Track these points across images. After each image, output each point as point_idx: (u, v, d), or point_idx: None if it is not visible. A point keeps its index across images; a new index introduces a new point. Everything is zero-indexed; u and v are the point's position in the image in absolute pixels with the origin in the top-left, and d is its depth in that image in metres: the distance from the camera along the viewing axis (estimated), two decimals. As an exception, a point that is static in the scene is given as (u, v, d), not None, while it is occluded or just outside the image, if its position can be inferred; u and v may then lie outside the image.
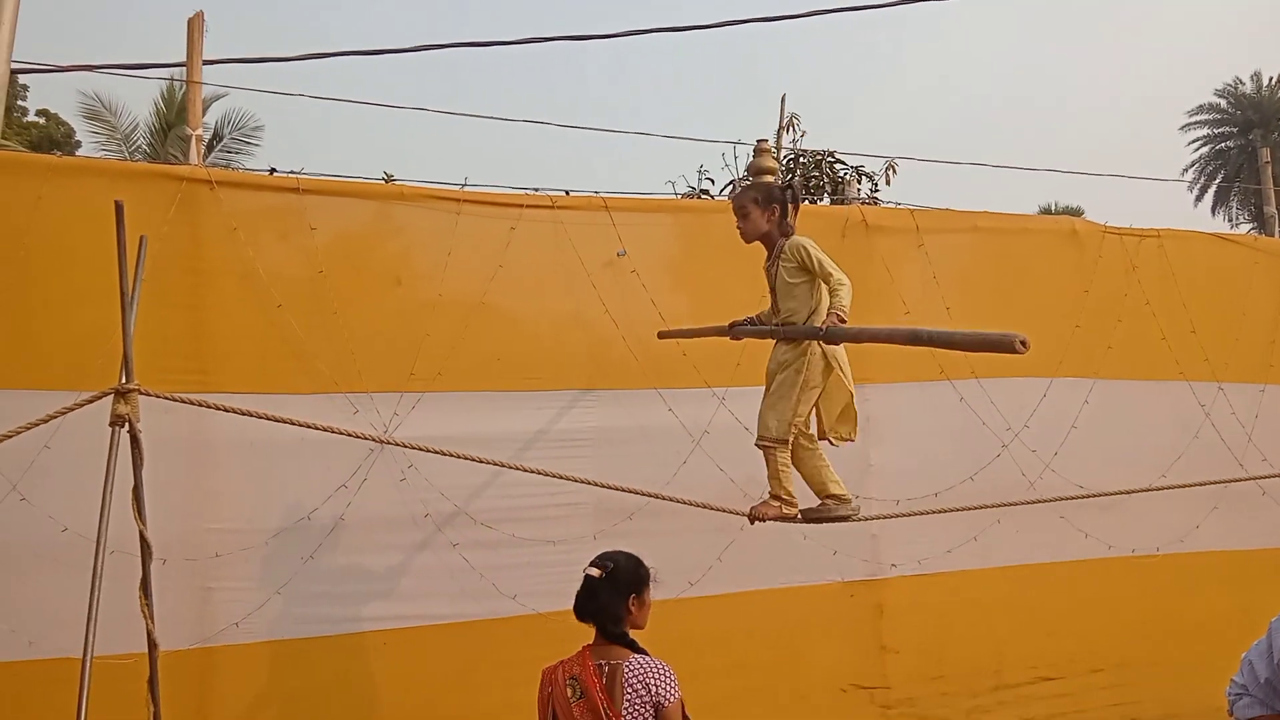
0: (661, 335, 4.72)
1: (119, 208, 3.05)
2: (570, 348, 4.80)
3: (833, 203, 10.27)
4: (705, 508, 4.23)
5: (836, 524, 4.99)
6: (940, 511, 4.85)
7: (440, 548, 4.44)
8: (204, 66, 5.80)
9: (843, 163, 11.39)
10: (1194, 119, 39.96)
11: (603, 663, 2.88)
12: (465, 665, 4.42)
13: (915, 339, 3.31)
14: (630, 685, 2.83)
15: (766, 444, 3.85)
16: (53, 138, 23.97)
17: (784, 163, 10.82)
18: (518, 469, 4.17)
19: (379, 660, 4.33)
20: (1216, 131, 39.63)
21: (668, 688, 2.85)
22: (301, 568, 4.24)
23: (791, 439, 3.83)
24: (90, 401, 3.17)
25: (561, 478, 4.19)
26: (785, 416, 3.78)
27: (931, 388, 5.35)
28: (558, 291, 4.79)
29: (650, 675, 2.85)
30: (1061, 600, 5.47)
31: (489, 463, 4.09)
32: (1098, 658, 5.49)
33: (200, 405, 3.51)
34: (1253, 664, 2.48)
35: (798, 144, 11.28)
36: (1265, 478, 5.82)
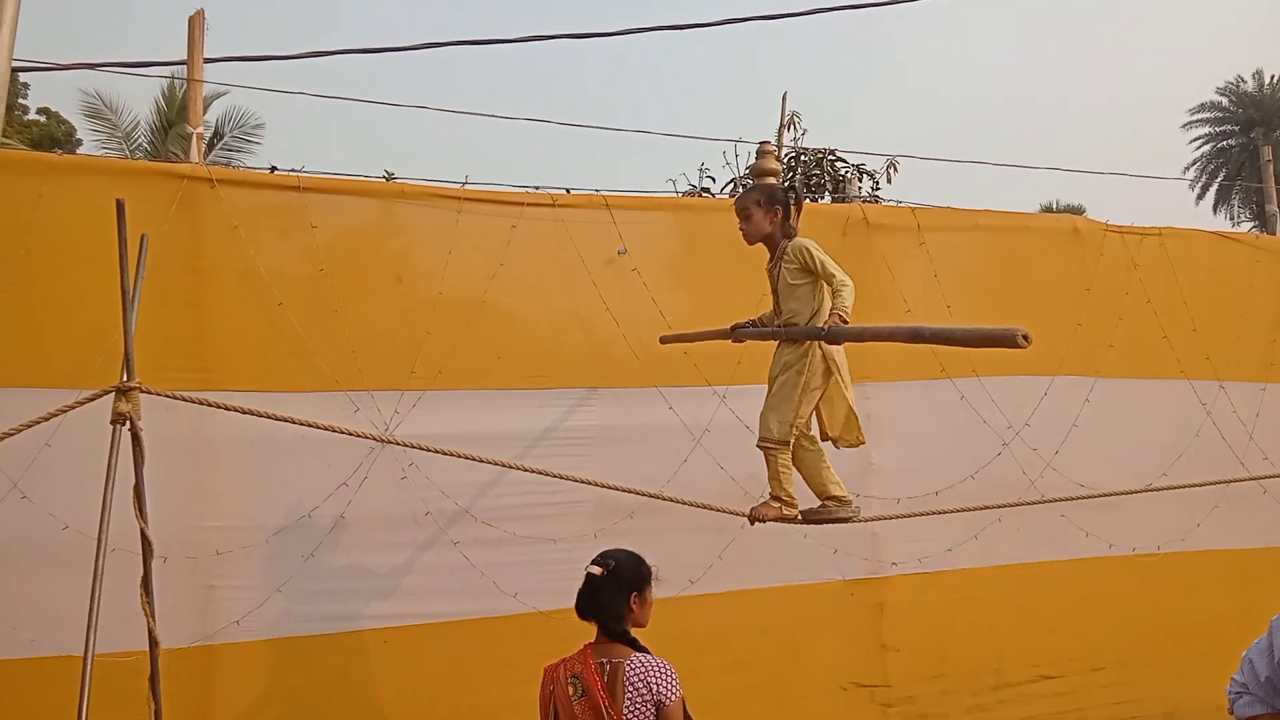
0: (664, 340, 4.71)
1: (120, 206, 3.05)
2: (571, 346, 4.80)
3: (834, 201, 10.26)
4: (705, 508, 4.22)
5: (838, 525, 5.03)
6: (941, 513, 4.85)
7: (441, 546, 4.45)
8: (205, 65, 5.80)
9: (844, 161, 11.40)
10: (1195, 117, 39.97)
11: (604, 661, 2.88)
12: (465, 663, 4.43)
13: (917, 336, 3.31)
14: (631, 684, 2.83)
15: (768, 445, 3.85)
16: (54, 136, 23.98)
17: (785, 161, 10.82)
18: (518, 469, 4.16)
19: (379, 658, 4.33)
20: (1218, 130, 39.60)
21: (669, 686, 2.85)
22: (302, 566, 4.24)
23: (793, 440, 3.83)
24: (91, 399, 3.17)
25: (561, 477, 4.19)
26: (787, 418, 3.78)
27: (933, 386, 5.35)
28: (559, 290, 4.79)
29: (652, 674, 2.85)
30: (1062, 599, 5.47)
31: (489, 462, 4.09)
32: (1098, 656, 5.49)
33: (201, 404, 3.51)
34: (1253, 662, 2.48)
35: (799, 142, 11.29)
36: (1267, 477, 5.81)
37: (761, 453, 3.92)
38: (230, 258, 4.24)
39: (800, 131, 11.25)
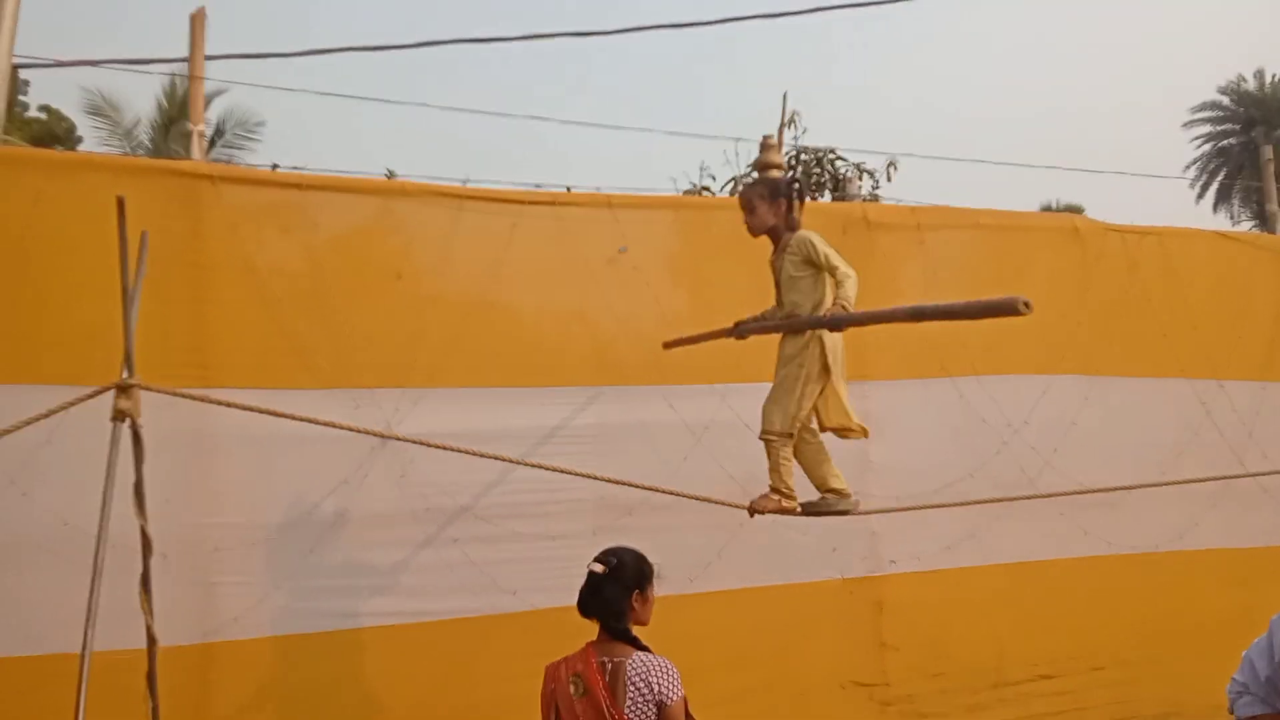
0: (667, 345, 4.70)
1: (120, 203, 3.05)
2: (572, 345, 4.80)
3: (834, 200, 10.27)
4: (704, 500, 4.24)
5: (836, 521, 5.01)
6: (938, 506, 4.86)
7: (441, 543, 4.45)
8: (206, 62, 5.81)
9: (844, 160, 11.42)
10: (1196, 116, 39.89)
11: (606, 660, 2.88)
12: (465, 660, 4.43)
13: (918, 315, 3.32)
14: (633, 683, 2.82)
15: (770, 437, 3.85)
16: (54, 133, 23.94)
17: (785, 160, 10.82)
18: (518, 463, 4.17)
19: (379, 655, 4.33)
20: (1218, 129, 39.51)
21: (671, 686, 2.85)
22: (302, 563, 4.24)
23: (795, 433, 3.84)
24: (91, 396, 3.17)
25: (563, 472, 4.19)
26: (789, 410, 3.79)
27: (932, 385, 5.36)
28: (560, 288, 4.79)
29: (653, 673, 2.84)
30: (1061, 598, 5.47)
31: (490, 457, 4.09)
32: (1098, 655, 5.49)
33: (201, 400, 3.52)
34: (1253, 662, 2.48)
35: (799, 141, 11.30)
36: (1265, 474, 5.81)
37: (763, 447, 3.92)
38: (231, 255, 4.24)
39: (801, 130, 11.27)
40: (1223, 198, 38.24)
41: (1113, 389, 5.69)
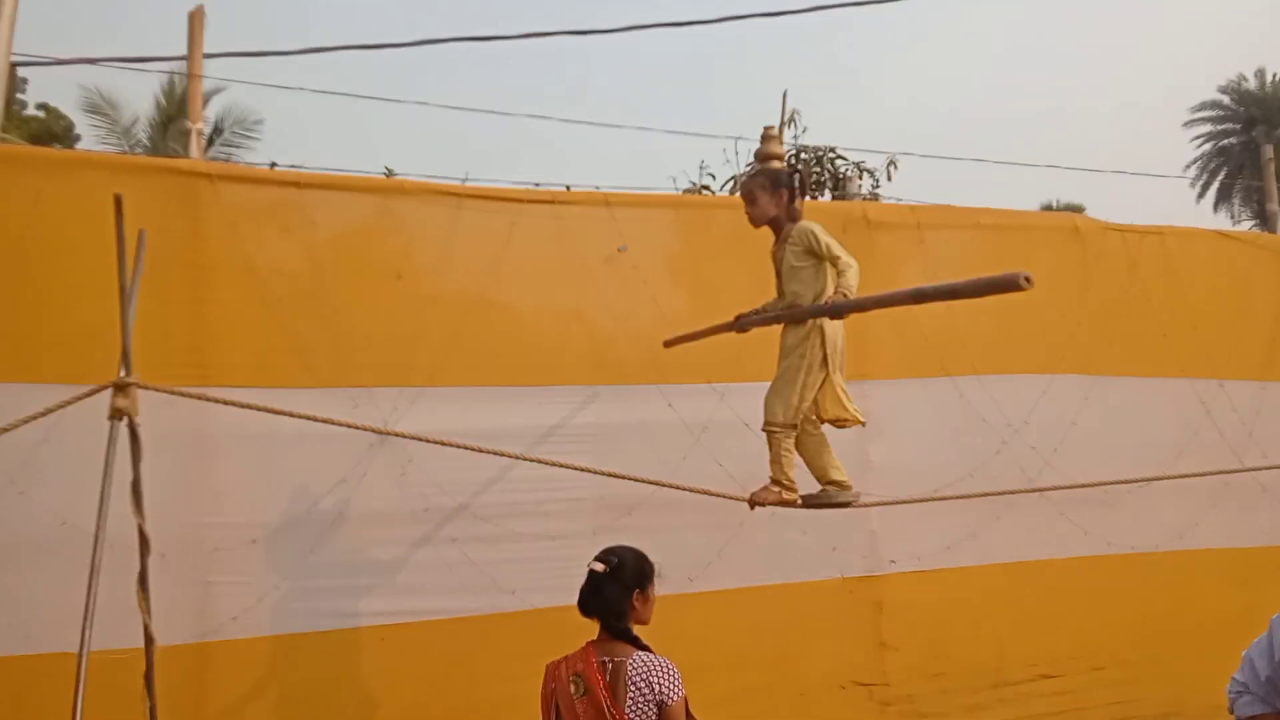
0: (668, 344, 4.69)
1: (118, 201, 3.04)
2: (571, 344, 4.79)
3: (834, 198, 10.27)
4: (704, 493, 4.24)
5: (836, 521, 5.02)
6: (939, 499, 4.87)
7: (440, 543, 4.44)
8: (205, 60, 5.80)
9: (844, 158, 11.42)
10: (1196, 116, 39.88)
11: (606, 659, 2.87)
12: (464, 660, 4.42)
13: (920, 297, 3.29)
14: (633, 683, 2.81)
15: (773, 429, 3.85)
16: (53, 131, 23.93)
17: (785, 159, 10.83)
18: (518, 458, 4.17)
19: (378, 655, 4.32)
20: (1219, 128, 39.50)
21: (671, 686, 2.84)
22: (301, 562, 4.24)
23: (798, 424, 3.84)
24: (88, 395, 3.16)
25: (563, 466, 4.19)
26: (791, 402, 3.79)
27: (932, 384, 5.35)
28: (558, 287, 4.78)
29: (654, 673, 2.83)
30: (1061, 597, 5.46)
31: (490, 452, 4.08)
32: (1098, 655, 5.48)
33: (199, 398, 3.51)
34: (1253, 661, 2.48)
35: (799, 140, 11.30)
36: (1262, 469, 5.80)
37: (763, 445, 3.92)
38: (230, 254, 4.23)
39: (801, 129, 11.27)
40: (1223, 197, 38.24)
41: (1113, 389, 5.69)
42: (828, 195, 10.90)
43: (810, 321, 3.78)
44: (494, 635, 4.44)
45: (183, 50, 5.91)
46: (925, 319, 5.36)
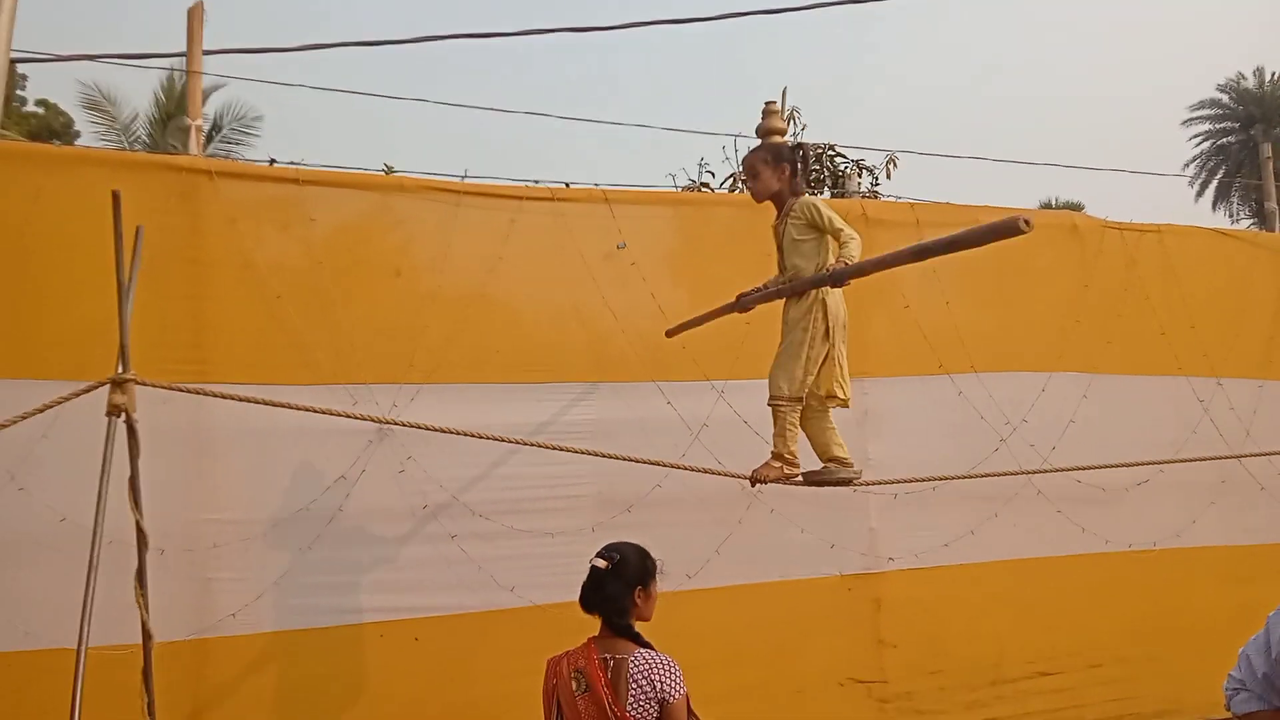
0: (670, 333, 4.68)
1: (116, 197, 3.05)
2: (570, 340, 4.79)
3: (833, 196, 10.26)
4: (706, 472, 4.25)
5: (835, 518, 5.03)
6: (941, 479, 4.87)
7: (438, 539, 4.44)
8: (204, 57, 5.79)
9: (843, 156, 11.40)
10: (1195, 114, 39.90)
11: (608, 656, 2.87)
12: (462, 657, 4.42)
13: (922, 253, 3.26)
14: (635, 681, 2.81)
15: (779, 403, 3.85)
16: (52, 128, 23.92)
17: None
18: (520, 443, 4.16)
19: (376, 652, 4.32)
20: (1218, 127, 39.51)
21: (673, 684, 2.83)
22: (300, 558, 4.23)
23: (804, 397, 3.83)
24: (86, 391, 3.16)
25: (564, 450, 4.18)
26: (796, 375, 3.79)
27: (930, 382, 5.35)
28: (557, 284, 4.78)
29: (656, 671, 2.83)
30: (1059, 595, 5.47)
31: (491, 439, 4.05)
32: (1096, 653, 5.49)
33: (197, 393, 3.51)
34: (1250, 659, 2.48)
35: (798, 137, 11.28)
36: (1262, 455, 5.80)
37: (765, 441, 3.91)
38: (229, 250, 4.23)
39: (800, 126, 11.25)
40: (1222, 195, 38.26)
41: (1111, 387, 5.69)
42: (826, 193, 10.88)
43: (812, 294, 3.78)
44: (492, 632, 4.44)
45: (182, 47, 5.92)
46: (924, 317, 5.38)
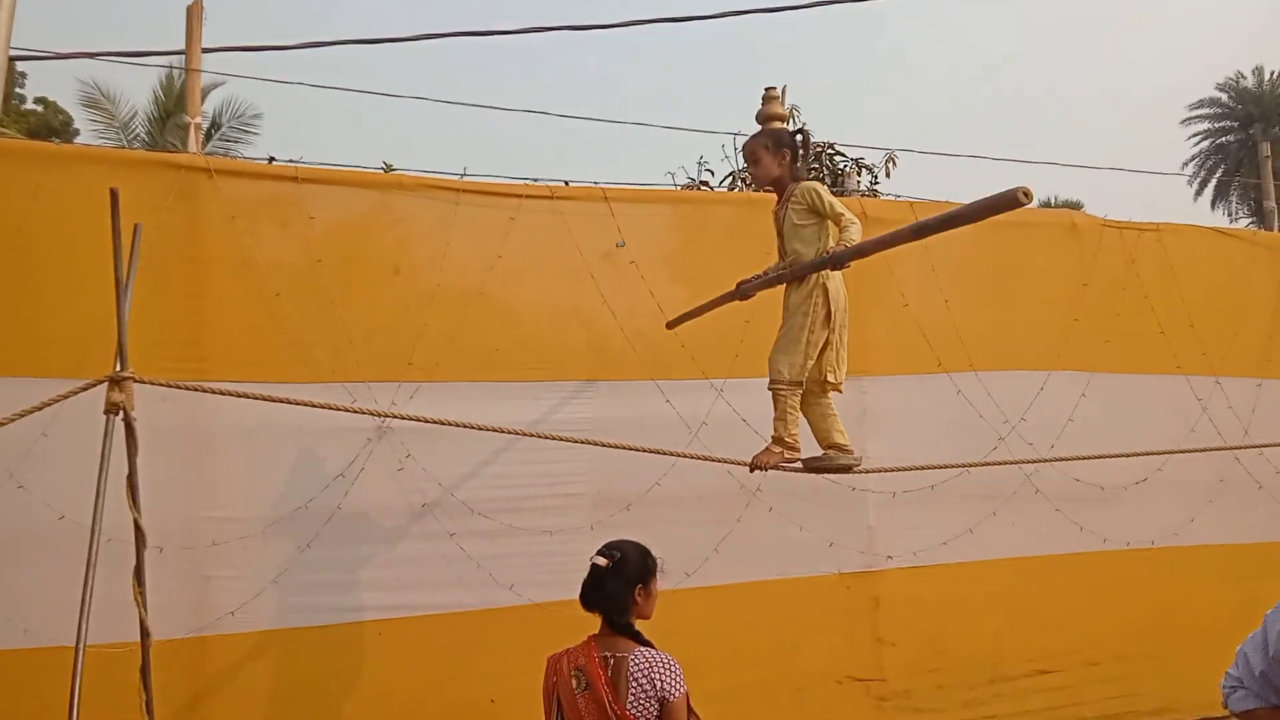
0: (670, 325, 4.67)
1: (114, 195, 3.04)
2: (569, 338, 4.79)
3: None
4: (707, 459, 4.24)
5: (833, 517, 5.03)
6: (939, 468, 4.86)
7: (437, 537, 4.44)
8: (203, 54, 5.79)
9: (843, 155, 11.40)
10: (1195, 113, 39.89)
11: (608, 655, 2.86)
12: (461, 655, 4.42)
13: (922, 231, 3.23)
14: (635, 679, 2.81)
15: (779, 388, 3.84)
16: (51, 126, 23.91)
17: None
18: (520, 434, 4.15)
19: (375, 650, 4.32)
20: (1217, 126, 39.50)
21: (673, 682, 2.83)
22: (298, 556, 4.24)
23: (804, 381, 3.83)
24: (84, 389, 3.16)
25: (564, 440, 4.18)
26: (796, 360, 3.79)
27: (929, 380, 5.36)
28: (556, 282, 4.78)
29: (656, 669, 2.83)
30: (1058, 593, 5.47)
31: (491, 430, 4.04)
32: (1095, 651, 5.49)
33: (195, 390, 3.50)
34: (1248, 657, 2.48)
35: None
36: (1247, 447, 5.79)
37: (764, 440, 3.91)
38: (228, 248, 4.23)
39: (799, 125, 11.24)
40: (1221, 194, 38.26)
41: (1110, 385, 5.69)
42: (826, 192, 10.86)
43: (813, 279, 3.77)
44: (491, 630, 4.44)
45: (181, 44, 5.90)
46: (923, 315, 5.38)
